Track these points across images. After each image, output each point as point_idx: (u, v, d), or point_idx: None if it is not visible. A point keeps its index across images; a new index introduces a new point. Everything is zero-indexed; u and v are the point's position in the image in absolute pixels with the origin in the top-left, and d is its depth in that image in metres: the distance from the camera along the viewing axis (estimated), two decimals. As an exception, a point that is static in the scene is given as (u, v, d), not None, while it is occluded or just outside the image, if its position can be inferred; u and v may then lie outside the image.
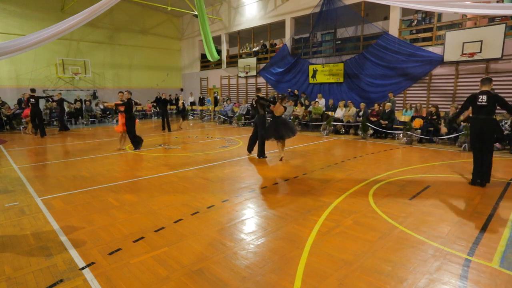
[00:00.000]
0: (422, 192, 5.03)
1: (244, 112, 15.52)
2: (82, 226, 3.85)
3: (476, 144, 5.40)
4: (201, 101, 19.88)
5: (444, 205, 4.48)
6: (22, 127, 14.23)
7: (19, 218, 4.16)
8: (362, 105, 11.75)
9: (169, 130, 13.07)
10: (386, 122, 10.56)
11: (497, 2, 9.76)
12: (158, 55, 22.00)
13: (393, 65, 11.91)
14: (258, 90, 8.29)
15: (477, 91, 5.45)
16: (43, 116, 12.67)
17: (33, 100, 11.77)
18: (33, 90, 12.01)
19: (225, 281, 2.70)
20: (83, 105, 17.31)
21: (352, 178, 5.90)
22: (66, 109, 16.37)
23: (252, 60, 17.38)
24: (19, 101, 15.57)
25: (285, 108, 7.65)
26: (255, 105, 7.89)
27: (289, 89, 14.90)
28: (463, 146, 8.53)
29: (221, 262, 3.01)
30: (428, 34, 11.32)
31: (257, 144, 7.84)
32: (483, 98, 5.29)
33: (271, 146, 8.53)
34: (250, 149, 8.18)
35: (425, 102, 11.36)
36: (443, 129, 7.33)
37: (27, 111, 12.41)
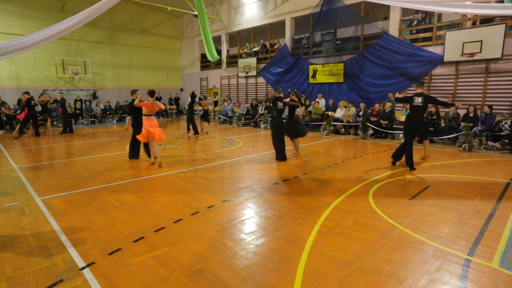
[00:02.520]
0: (422, 192, 5.03)
1: (244, 112, 15.52)
2: (82, 226, 3.85)
3: (409, 135, 6.44)
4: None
5: (444, 205, 4.48)
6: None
7: (19, 218, 4.16)
8: (362, 105, 11.75)
9: (196, 132, 11.83)
10: (386, 122, 10.56)
11: (497, 2, 9.77)
12: (158, 55, 21.99)
13: (393, 65, 11.91)
14: (278, 90, 7.50)
15: (414, 93, 6.48)
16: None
17: (33, 102, 11.80)
18: (27, 92, 11.96)
19: (225, 281, 2.70)
20: (83, 105, 17.30)
21: (352, 178, 5.90)
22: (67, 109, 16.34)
23: (252, 60, 17.37)
24: (19, 101, 15.55)
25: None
26: (282, 106, 7.31)
27: (289, 89, 14.90)
28: (463, 146, 8.53)
29: (221, 262, 3.01)
30: (428, 34, 11.32)
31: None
32: (418, 100, 6.28)
33: (271, 146, 8.52)
34: (283, 156, 7.43)
35: (425, 102, 11.36)
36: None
37: (22, 115, 11.95)
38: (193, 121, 11.82)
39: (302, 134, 7.65)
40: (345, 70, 13.39)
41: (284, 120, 7.61)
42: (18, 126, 11.90)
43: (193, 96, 11.68)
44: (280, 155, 7.40)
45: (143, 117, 6.83)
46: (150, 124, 6.75)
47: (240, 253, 3.17)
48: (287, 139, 7.67)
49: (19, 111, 12.87)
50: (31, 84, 16.75)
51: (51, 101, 13.24)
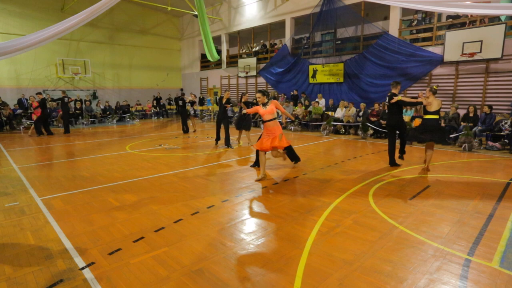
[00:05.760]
0: (422, 192, 5.03)
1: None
2: (82, 226, 3.85)
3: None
4: (201, 101, 19.87)
5: (444, 205, 4.48)
6: (22, 127, 14.22)
7: (19, 218, 4.16)
8: (362, 105, 11.75)
9: (187, 131, 12.54)
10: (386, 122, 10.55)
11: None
12: (158, 55, 21.99)
13: (393, 65, 11.90)
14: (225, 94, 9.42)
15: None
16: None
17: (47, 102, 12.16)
18: (40, 93, 12.31)
19: (225, 281, 2.70)
20: (83, 105, 17.30)
21: (352, 178, 5.90)
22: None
23: (252, 60, 17.37)
24: (19, 101, 15.56)
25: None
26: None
27: (291, 92, 14.92)
28: (463, 146, 8.53)
29: (221, 262, 3.01)
30: (428, 34, 11.31)
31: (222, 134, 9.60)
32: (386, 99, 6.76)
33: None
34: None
35: (425, 102, 11.36)
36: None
37: (37, 113, 12.04)
38: (185, 120, 12.44)
39: (247, 128, 9.56)
40: (345, 70, 13.39)
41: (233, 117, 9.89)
42: (33, 126, 12.36)
43: (184, 101, 12.41)
44: (224, 141, 9.37)
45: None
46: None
47: (240, 253, 3.17)
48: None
49: (33, 110, 12.36)
50: (31, 84, 16.75)
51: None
